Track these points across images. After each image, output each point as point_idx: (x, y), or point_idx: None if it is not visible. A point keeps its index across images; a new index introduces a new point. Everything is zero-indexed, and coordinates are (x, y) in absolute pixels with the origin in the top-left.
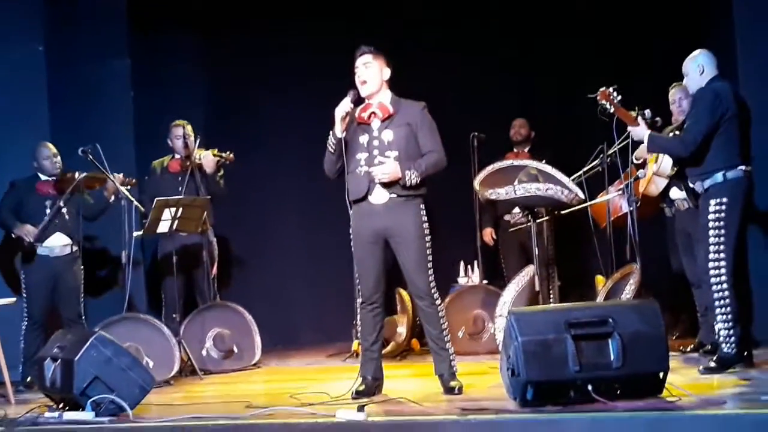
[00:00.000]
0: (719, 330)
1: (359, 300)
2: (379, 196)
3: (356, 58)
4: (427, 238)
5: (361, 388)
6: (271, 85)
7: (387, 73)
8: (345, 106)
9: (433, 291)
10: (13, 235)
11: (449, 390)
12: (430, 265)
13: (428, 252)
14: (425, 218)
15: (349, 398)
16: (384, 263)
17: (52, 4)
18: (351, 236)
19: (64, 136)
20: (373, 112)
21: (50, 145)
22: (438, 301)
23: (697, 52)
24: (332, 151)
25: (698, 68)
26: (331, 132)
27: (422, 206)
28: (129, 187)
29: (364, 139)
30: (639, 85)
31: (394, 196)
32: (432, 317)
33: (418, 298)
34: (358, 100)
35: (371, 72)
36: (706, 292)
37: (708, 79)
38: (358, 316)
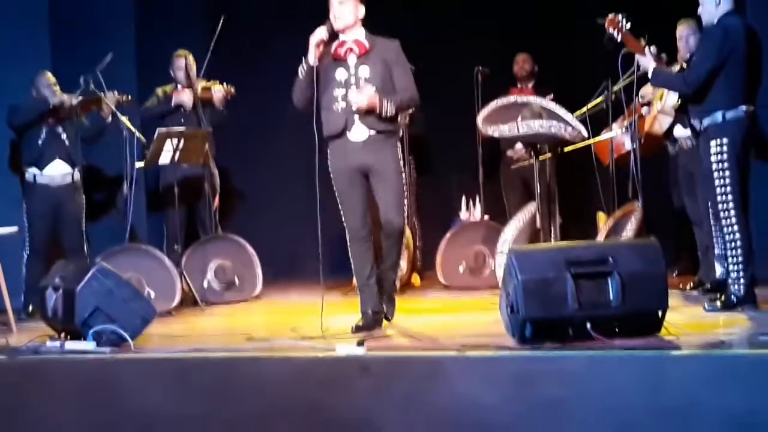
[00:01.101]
0: (730, 271)
1: (348, 236)
2: (358, 134)
3: None
4: (403, 176)
5: (361, 322)
6: (275, 17)
7: (361, 10)
8: (320, 34)
9: (405, 229)
10: (53, 106)
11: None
12: (406, 202)
13: (404, 190)
14: (401, 156)
15: (349, 332)
16: (367, 197)
17: None
18: (331, 174)
19: (65, 64)
20: (350, 48)
21: (49, 74)
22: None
23: None
24: (302, 77)
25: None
26: (303, 59)
27: (398, 144)
28: (125, 105)
29: (340, 75)
30: (645, 18)
31: (374, 132)
32: (395, 254)
33: (390, 236)
34: (333, 35)
35: (346, 9)
36: (707, 230)
37: (722, 12)
38: (350, 253)
